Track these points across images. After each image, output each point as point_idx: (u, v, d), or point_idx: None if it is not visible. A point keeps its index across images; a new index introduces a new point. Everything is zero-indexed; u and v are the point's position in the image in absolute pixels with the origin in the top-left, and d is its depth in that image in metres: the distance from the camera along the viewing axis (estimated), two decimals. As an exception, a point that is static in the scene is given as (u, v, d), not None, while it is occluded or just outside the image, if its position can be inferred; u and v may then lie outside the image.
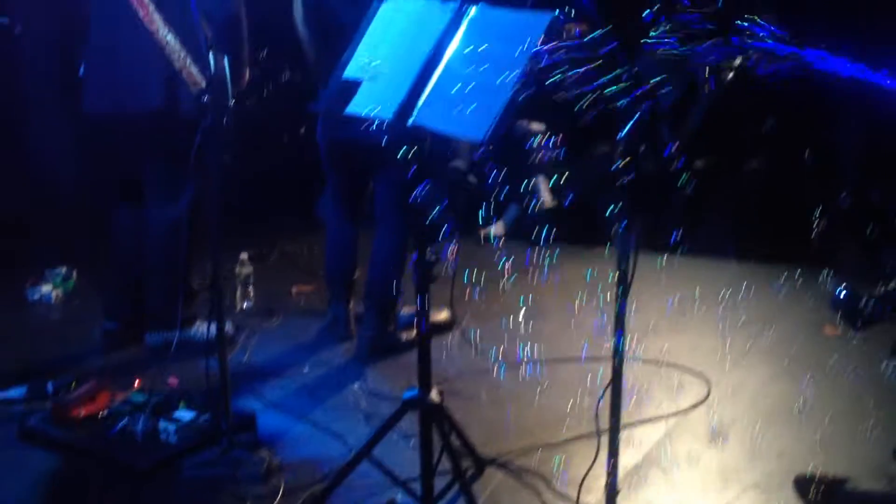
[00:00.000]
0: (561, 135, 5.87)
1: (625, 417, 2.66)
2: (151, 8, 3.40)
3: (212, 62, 3.15)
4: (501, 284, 4.78)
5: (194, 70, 3.40)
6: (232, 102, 3.31)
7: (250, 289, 4.45)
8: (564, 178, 5.99)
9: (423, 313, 2.54)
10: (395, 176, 3.67)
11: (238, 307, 4.40)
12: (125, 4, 3.43)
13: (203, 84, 3.24)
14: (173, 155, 3.49)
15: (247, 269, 4.44)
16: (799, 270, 4.66)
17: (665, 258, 4.89)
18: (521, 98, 2.22)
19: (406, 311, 4.02)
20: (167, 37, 3.40)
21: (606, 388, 2.36)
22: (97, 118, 3.64)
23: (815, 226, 4.87)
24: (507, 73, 2.24)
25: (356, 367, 3.76)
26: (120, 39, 3.50)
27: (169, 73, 3.42)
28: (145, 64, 3.44)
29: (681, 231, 5.21)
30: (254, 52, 3.70)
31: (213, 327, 2.95)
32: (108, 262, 4.01)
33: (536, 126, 5.89)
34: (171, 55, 3.40)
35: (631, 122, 2.19)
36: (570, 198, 5.92)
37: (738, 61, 5.43)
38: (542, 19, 2.26)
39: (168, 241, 3.68)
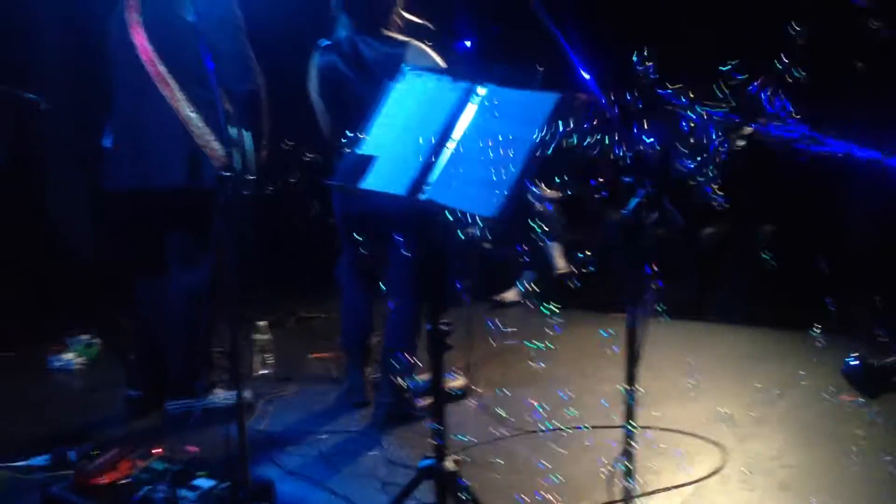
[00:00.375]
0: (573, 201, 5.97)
1: (639, 487, 2.68)
2: (175, 86, 3.53)
3: (233, 137, 3.28)
4: (516, 351, 4.81)
5: (216, 145, 3.51)
6: (252, 176, 3.42)
7: (268, 355, 4.51)
8: (578, 243, 6.06)
9: (438, 381, 2.59)
10: (409, 246, 3.76)
11: (256, 374, 4.46)
12: (149, 82, 3.56)
13: (224, 158, 3.34)
14: (195, 226, 3.60)
15: (265, 336, 4.51)
16: (813, 336, 4.67)
17: (679, 323, 4.92)
18: (531, 174, 2.30)
19: (422, 377, 4.07)
20: (190, 113, 3.51)
21: (620, 456, 2.38)
22: (120, 193, 3.74)
23: (828, 292, 4.89)
24: (516, 150, 2.32)
25: (373, 434, 3.79)
26: (143, 116, 3.62)
27: (192, 149, 3.53)
28: (169, 140, 3.55)
29: (695, 296, 5.28)
30: (274, 131, 3.80)
31: (233, 394, 3.00)
32: (132, 330, 4.10)
33: (550, 193, 5.99)
34: (194, 131, 3.51)
35: (638, 196, 2.27)
36: (583, 263, 5.98)
37: (749, 129, 5.52)
38: (550, 98, 2.36)
39: (189, 310, 3.75)
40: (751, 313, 5.03)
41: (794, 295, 5.03)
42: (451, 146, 2.47)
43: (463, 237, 5.58)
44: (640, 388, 2.38)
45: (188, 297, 3.78)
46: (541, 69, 2.46)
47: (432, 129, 2.50)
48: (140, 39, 3.59)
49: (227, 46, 3.44)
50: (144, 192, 3.65)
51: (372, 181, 2.58)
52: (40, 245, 5.63)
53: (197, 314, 3.78)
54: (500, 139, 2.37)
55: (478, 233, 5.64)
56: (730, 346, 4.74)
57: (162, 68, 3.55)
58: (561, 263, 5.87)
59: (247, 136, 3.67)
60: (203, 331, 3.82)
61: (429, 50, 3.71)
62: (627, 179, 2.29)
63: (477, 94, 2.50)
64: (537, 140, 2.29)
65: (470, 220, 5.45)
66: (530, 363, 4.60)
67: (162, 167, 3.58)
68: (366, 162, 2.64)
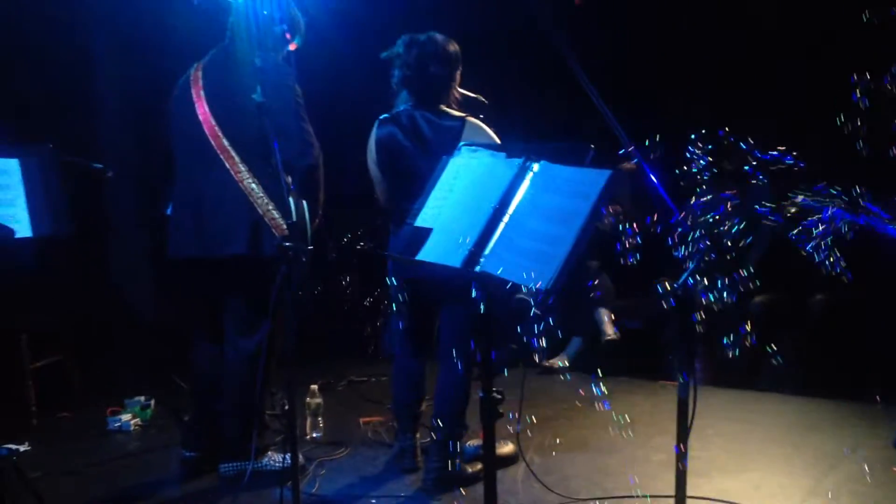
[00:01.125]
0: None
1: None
2: (237, 158, 3.66)
3: (293, 208, 3.41)
4: (566, 417, 4.83)
5: (276, 215, 3.62)
6: (310, 245, 3.53)
7: (320, 419, 4.58)
8: (627, 311, 6.08)
9: (488, 447, 2.63)
10: (461, 312, 3.83)
11: (308, 437, 4.52)
12: (211, 154, 3.70)
13: (285, 228, 3.46)
14: (253, 294, 3.70)
15: (317, 400, 4.58)
16: (868, 407, 4.63)
17: (730, 392, 4.91)
18: (584, 247, 2.37)
19: (472, 443, 4.11)
20: (252, 185, 3.64)
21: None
22: (182, 260, 3.86)
23: (882, 363, 4.85)
24: (569, 224, 2.40)
25: (422, 499, 3.82)
26: (206, 186, 3.75)
27: (253, 219, 3.65)
28: (231, 210, 3.67)
29: (746, 364, 5.25)
30: (330, 201, 3.92)
31: (286, 458, 3.06)
32: (187, 392, 4.20)
33: (593, 263, 6.05)
34: (256, 202, 3.63)
35: (691, 268, 2.32)
36: (632, 330, 6.00)
37: (800, 198, 5.54)
38: (602, 175, 2.43)
39: (244, 375, 3.84)
40: (803, 382, 4.99)
41: (848, 364, 4.99)
42: (505, 220, 2.55)
43: (514, 304, 5.67)
44: (691, 457, 2.39)
45: (243, 362, 3.86)
46: (592, 146, 2.55)
47: (487, 204, 2.59)
48: (203, 112, 3.74)
49: (288, 123, 3.58)
50: (206, 260, 3.76)
51: (428, 253, 2.67)
52: (101, 308, 5.81)
53: (251, 378, 3.85)
54: (554, 213, 2.45)
55: (529, 300, 5.72)
56: (782, 415, 4.70)
57: (225, 141, 3.69)
58: (609, 330, 5.89)
59: (305, 207, 3.78)
60: (257, 394, 3.90)
61: (484, 125, 3.82)
62: (677, 254, 2.35)
63: (531, 170, 2.59)
64: (590, 214, 2.36)
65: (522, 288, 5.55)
66: (579, 429, 4.60)
67: (224, 237, 3.69)
68: (422, 234, 2.74)
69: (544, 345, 5.95)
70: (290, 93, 3.66)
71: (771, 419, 4.67)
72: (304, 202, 3.74)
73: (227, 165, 3.66)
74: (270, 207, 3.64)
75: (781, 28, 6.23)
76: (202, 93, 3.77)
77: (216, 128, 3.69)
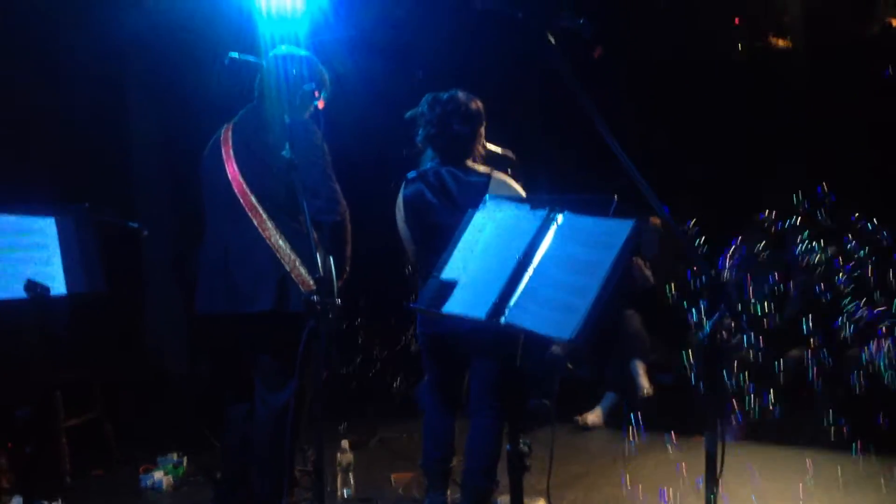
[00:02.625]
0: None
1: None
2: (265, 215, 3.70)
3: (319, 263, 3.43)
4: (598, 474, 4.76)
5: (303, 271, 3.65)
6: (338, 300, 3.54)
7: (350, 476, 4.55)
8: (663, 364, 6.02)
9: (516, 500, 2.60)
10: (490, 367, 3.81)
11: (339, 494, 4.50)
12: (240, 211, 3.75)
13: (311, 284, 3.48)
14: (282, 350, 3.71)
15: (347, 457, 4.56)
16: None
17: (763, 448, 4.82)
18: (608, 297, 2.36)
19: (502, 499, 4.06)
20: (279, 241, 3.68)
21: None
22: (212, 317, 3.90)
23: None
24: (594, 274, 2.40)
25: (453, 556, 3.78)
26: (234, 243, 3.78)
27: (281, 275, 3.68)
28: (259, 267, 3.69)
29: (780, 420, 5.16)
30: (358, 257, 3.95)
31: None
32: (220, 450, 4.20)
33: (634, 315, 6.00)
34: (283, 258, 3.67)
35: (714, 318, 2.31)
36: (667, 384, 5.93)
37: (831, 251, 5.52)
38: (625, 225, 2.44)
39: (274, 431, 3.83)
40: (838, 438, 4.89)
41: (887, 419, 4.89)
42: (530, 271, 2.56)
43: (546, 358, 5.64)
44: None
45: (274, 419, 3.85)
46: (615, 196, 2.56)
47: (512, 255, 2.60)
48: (232, 171, 3.79)
49: (315, 180, 3.62)
50: (235, 316, 3.79)
51: (453, 305, 2.68)
52: (135, 365, 5.87)
53: (282, 435, 3.84)
54: (579, 264, 2.46)
55: (561, 353, 5.70)
56: (822, 470, 4.60)
57: (253, 199, 3.73)
58: (645, 384, 5.82)
59: (331, 263, 3.81)
60: (288, 451, 3.89)
61: (510, 180, 3.84)
62: (703, 303, 2.33)
63: (555, 221, 2.60)
64: (615, 264, 2.36)
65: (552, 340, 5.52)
66: (612, 485, 4.54)
67: (251, 293, 3.72)
68: (448, 287, 2.74)
69: (577, 400, 5.92)
70: (317, 150, 3.70)
71: (806, 475, 4.56)
72: (331, 258, 3.77)
73: (255, 223, 3.70)
74: (297, 263, 3.67)
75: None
76: (231, 152, 3.83)
77: (245, 186, 3.74)
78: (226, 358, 4.08)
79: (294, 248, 3.68)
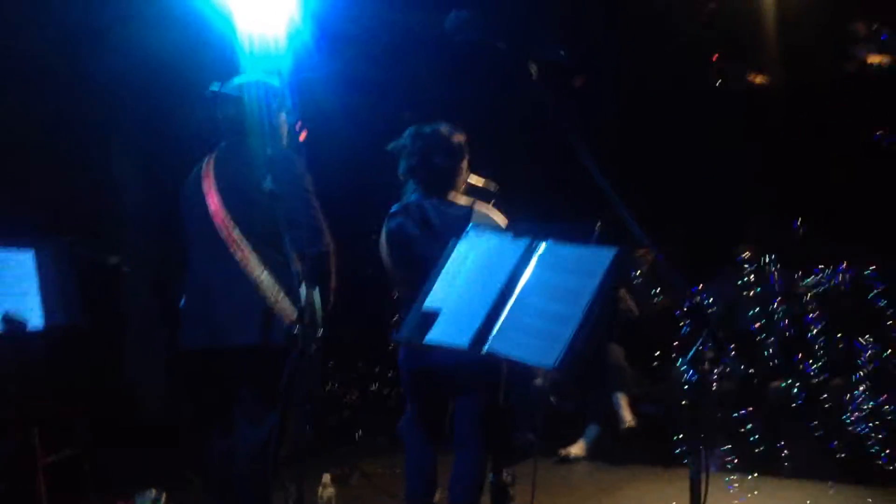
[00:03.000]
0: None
1: None
2: (247, 248, 3.68)
3: (303, 296, 3.41)
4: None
5: (286, 304, 3.63)
6: (321, 332, 3.52)
7: (333, 511, 4.51)
8: (644, 396, 6.02)
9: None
10: (474, 401, 3.79)
11: (321, 529, 4.45)
12: (221, 244, 3.73)
13: (294, 316, 3.46)
14: (263, 383, 3.68)
15: (329, 492, 4.52)
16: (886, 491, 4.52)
17: (748, 479, 4.80)
18: (590, 325, 2.36)
19: (486, 533, 4.02)
20: (262, 275, 3.65)
21: None
22: (193, 352, 3.85)
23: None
24: (576, 302, 2.40)
25: (437, 592, 3.73)
26: (216, 276, 3.75)
27: (264, 309, 3.65)
28: (241, 300, 3.67)
29: (765, 450, 5.16)
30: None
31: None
32: (198, 485, 4.14)
33: (617, 348, 6.00)
34: (266, 291, 3.64)
35: (695, 347, 2.31)
36: (650, 416, 5.92)
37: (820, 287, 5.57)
38: (608, 253, 2.45)
39: (256, 466, 3.78)
40: (823, 468, 4.88)
41: (871, 449, 4.89)
42: (512, 300, 2.55)
43: (529, 391, 5.63)
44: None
45: (254, 452, 3.81)
46: (598, 224, 2.57)
47: (494, 284, 2.60)
48: (215, 205, 3.77)
49: (299, 211, 3.61)
50: (218, 350, 3.75)
51: (436, 334, 2.67)
52: (114, 401, 5.80)
53: (263, 469, 3.80)
54: (561, 292, 2.46)
55: (544, 386, 5.68)
56: (801, 501, 4.59)
57: (236, 232, 3.71)
58: (627, 416, 5.81)
59: (315, 295, 3.79)
60: (267, 485, 3.84)
61: (492, 211, 3.84)
62: (685, 330, 2.34)
63: (537, 250, 2.60)
64: (597, 292, 2.37)
65: (536, 373, 5.51)
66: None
67: (234, 326, 3.68)
68: (430, 316, 2.74)
69: (560, 433, 5.89)
70: (300, 181, 3.70)
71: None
72: (316, 290, 3.75)
73: (238, 256, 3.67)
74: (280, 297, 3.64)
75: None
76: (213, 185, 3.81)
77: (227, 219, 3.72)
78: (208, 394, 4.03)
79: (278, 280, 3.66)
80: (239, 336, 3.66)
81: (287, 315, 3.58)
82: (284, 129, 3.82)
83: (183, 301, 3.92)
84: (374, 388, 6.54)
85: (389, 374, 6.35)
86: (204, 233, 3.78)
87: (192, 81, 4.00)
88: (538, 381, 5.81)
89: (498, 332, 2.52)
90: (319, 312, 3.73)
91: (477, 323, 2.55)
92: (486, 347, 2.52)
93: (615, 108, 6.60)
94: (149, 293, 5.90)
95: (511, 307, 2.54)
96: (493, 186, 4.10)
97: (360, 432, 6.35)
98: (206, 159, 3.91)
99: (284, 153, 3.74)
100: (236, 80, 3.85)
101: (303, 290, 3.43)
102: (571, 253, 2.52)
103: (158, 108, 5.54)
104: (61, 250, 3.60)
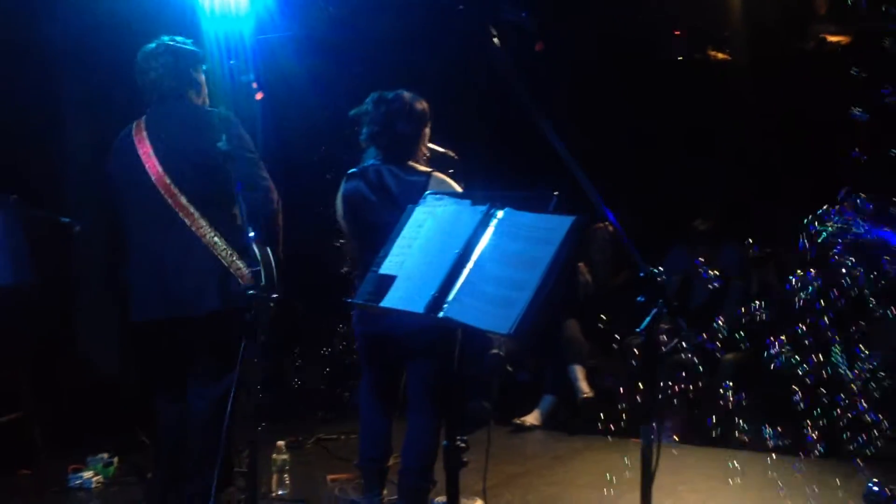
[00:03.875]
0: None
1: None
2: (196, 215, 3.62)
3: (258, 256, 3.38)
4: (536, 475, 4.77)
5: (241, 264, 3.58)
6: (276, 293, 3.49)
7: (286, 476, 4.49)
8: (600, 368, 6.07)
9: (453, 500, 2.58)
10: (428, 367, 3.79)
11: (274, 494, 4.43)
12: (167, 211, 3.66)
13: (250, 277, 3.42)
14: (222, 346, 3.65)
15: (283, 456, 4.50)
16: (841, 464, 4.60)
17: (704, 451, 4.88)
18: (546, 293, 2.36)
19: (439, 499, 4.04)
20: (214, 238, 3.60)
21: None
22: (149, 324, 3.78)
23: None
24: (533, 269, 2.39)
25: (388, 557, 3.75)
26: (166, 246, 3.66)
27: (220, 273, 3.60)
28: (198, 269, 3.60)
29: (718, 423, 5.23)
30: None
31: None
32: (150, 449, 4.11)
33: (573, 321, 6.04)
34: (220, 254, 3.59)
35: (650, 316, 2.32)
36: (605, 388, 5.97)
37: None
38: (565, 221, 2.44)
39: (211, 424, 3.75)
40: (777, 440, 4.96)
41: (823, 421, 4.97)
42: (469, 266, 2.54)
43: (486, 360, 5.64)
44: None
45: (211, 412, 3.78)
46: (556, 193, 2.56)
47: (451, 250, 2.59)
48: (156, 172, 3.66)
49: (249, 173, 3.58)
50: (174, 320, 3.70)
51: (391, 300, 2.65)
52: (64, 363, 5.71)
53: (218, 428, 3.77)
54: (518, 259, 2.45)
55: (501, 354, 5.70)
56: (756, 472, 4.66)
57: (183, 199, 3.64)
58: (584, 387, 5.85)
59: (270, 253, 3.75)
60: (221, 448, 3.81)
61: (450, 180, 3.83)
62: (640, 299, 2.34)
63: (495, 217, 2.59)
64: (554, 260, 2.36)
65: (493, 341, 5.52)
66: (549, 487, 4.55)
67: (193, 296, 3.63)
68: (386, 281, 2.72)
69: (515, 402, 5.92)
70: (247, 143, 3.67)
71: (744, 476, 4.62)
72: (269, 249, 3.71)
73: (188, 222, 3.61)
74: (235, 258, 3.60)
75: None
76: (151, 152, 3.72)
77: (172, 186, 3.64)
78: (160, 361, 3.97)
79: (229, 242, 3.62)
80: (199, 305, 3.62)
81: (243, 276, 3.54)
82: (204, 89, 3.75)
83: (129, 272, 3.82)
84: (325, 352, 6.51)
85: (343, 345, 6.32)
86: (146, 202, 3.69)
87: (144, 41, 3.90)
88: (494, 351, 5.82)
89: (454, 297, 2.51)
90: (275, 271, 3.70)
91: (433, 288, 2.54)
92: (441, 313, 2.51)
93: (575, 76, 6.59)
94: (100, 254, 5.80)
95: (468, 273, 2.53)
96: (452, 155, 4.09)
97: (316, 398, 6.34)
98: (133, 126, 3.82)
99: (226, 115, 3.69)
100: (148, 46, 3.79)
101: (258, 250, 3.40)
102: (529, 220, 2.51)
103: (113, 71, 5.40)
104: (10, 208, 3.52)
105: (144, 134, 3.75)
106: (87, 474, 4.72)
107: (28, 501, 4.50)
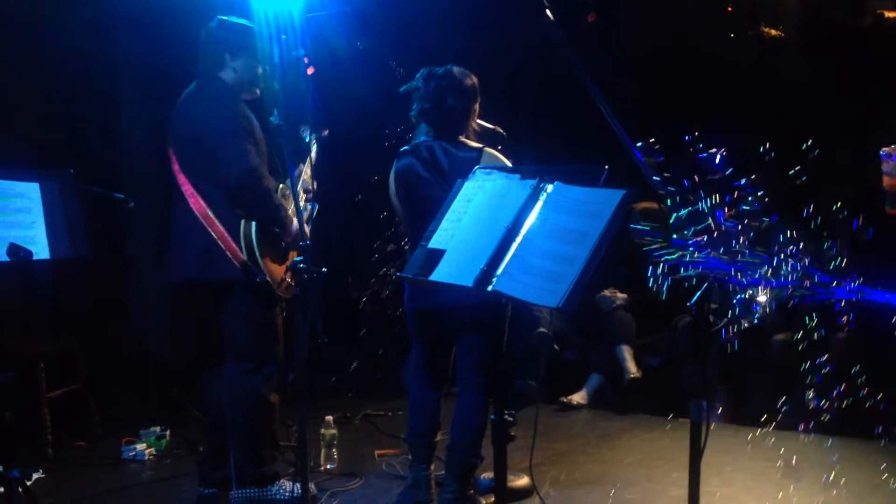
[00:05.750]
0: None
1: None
2: (189, 185, 3.77)
3: (307, 231, 3.41)
4: (581, 452, 4.77)
5: (232, 240, 3.71)
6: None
7: (334, 451, 4.54)
8: (649, 347, 6.02)
9: (500, 473, 2.59)
10: (478, 344, 3.80)
11: (322, 468, 4.49)
12: (175, 183, 3.81)
13: (243, 257, 3.57)
14: (250, 316, 3.73)
15: (331, 431, 4.55)
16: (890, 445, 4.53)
17: (752, 431, 4.83)
18: (595, 268, 2.35)
19: (486, 475, 4.05)
20: (208, 212, 3.74)
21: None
22: (178, 284, 3.97)
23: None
24: (582, 243, 2.38)
25: (435, 531, 3.77)
26: (173, 213, 3.86)
27: (205, 244, 3.71)
28: (184, 236, 3.79)
29: (768, 404, 5.16)
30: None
31: (297, 487, 3.02)
32: (203, 424, 4.18)
33: (621, 296, 5.99)
34: (210, 227, 3.73)
35: (700, 292, 2.30)
36: (653, 367, 5.93)
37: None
38: (615, 195, 2.42)
39: (244, 397, 3.81)
40: (832, 421, 4.89)
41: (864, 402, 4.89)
42: (518, 240, 2.54)
43: (533, 339, 5.63)
44: (711, 493, 2.33)
45: (240, 383, 3.84)
46: (606, 167, 2.54)
47: (501, 224, 2.58)
48: (170, 148, 3.87)
49: (226, 149, 3.66)
50: (198, 282, 3.81)
51: (441, 274, 2.66)
52: (119, 337, 5.82)
53: (253, 401, 3.83)
54: (567, 234, 2.44)
55: (548, 334, 5.68)
56: (804, 453, 4.60)
57: (177, 166, 3.81)
58: (632, 367, 5.81)
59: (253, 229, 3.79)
60: (264, 419, 3.87)
61: (500, 155, 3.82)
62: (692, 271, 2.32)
63: (544, 191, 2.58)
64: (603, 234, 2.35)
65: (540, 320, 5.49)
66: (596, 465, 4.54)
67: (179, 261, 3.82)
68: (436, 255, 2.72)
69: (563, 381, 5.91)
70: (229, 116, 3.72)
71: (793, 457, 4.57)
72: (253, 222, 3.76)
73: (187, 193, 3.76)
74: (226, 234, 3.69)
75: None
76: (172, 125, 3.89)
77: (174, 156, 3.82)
78: (200, 326, 4.09)
79: (220, 217, 3.72)
80: (181, 271, 3.81)
81: (234, 253, 3.66)
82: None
83: (169, 236, 3.99)
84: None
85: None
86: (170, 171, 3.88)
87: (201, 19, 3.96)
88: (542, 330, 5.80)
89: (503, 271, 2.51)
90: (257, 247, 3.73)
91: (482, 263, 2.54)
92: (490, 287, 2.51)
93: (630, 50, 6.50)
94: (153, 230, 5.89)
95: (517, 248, 2.52)
96: (500, 132, 4.07)
97: (366, 375, 6.39)
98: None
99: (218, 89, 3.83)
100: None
101: (306, 224, 3.44)
102: (579, 194, 2.50)
103: (166, 47, 5.47)
104: (66, 183, 3.57)
105: (180, 103, 3.90)
106: (140, 447, 4.81)
107: (83, 472, 4.59)
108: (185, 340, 5.71)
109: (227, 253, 3.67)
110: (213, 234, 3.69)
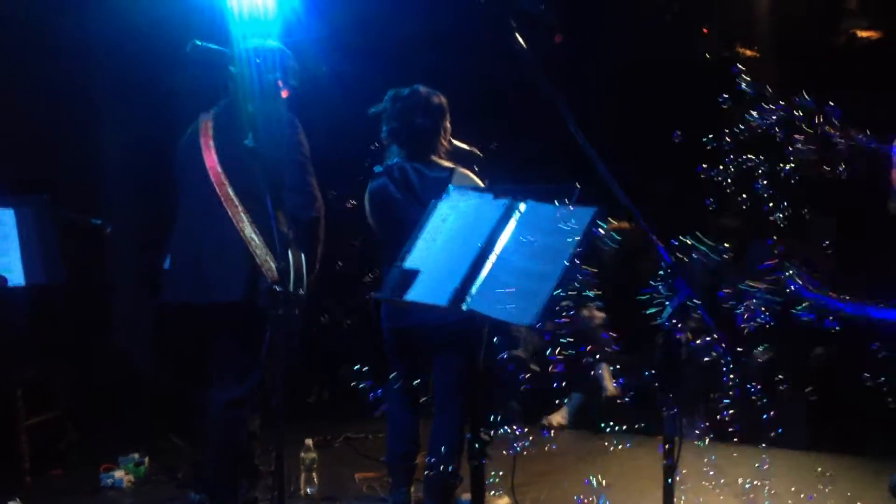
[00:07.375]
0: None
1: None
2: (241, 207, 3.69)
3: (291, 258, 3.42)
4: (561, 473, 4.77)
5: (273, 265, 3.62)
6: (303, 293, 3.53)
7: (314, 475, 4.52)
8: (627, 366, 6.04)
9: (478, 493, 2.60)
10: (455, 363, 3.81)
11: (302, 492, 4.46)
12: (215, 202, 3.72)
13: (277, 278, 3.46)
14: (245, 342, 3.69)
15: (311, 455, 4.53)
16: (868, 460, 4.56)
17: (733, 448, 4.86)
18: (571, 285, 2.37)
19: (465, 496, 4.05)
20: (252, 234, 3.66)
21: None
22: (178, 306, 3.89)
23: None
24: (554, 261, 2.41)
25: (415, 552, 3.76)
26: (207, 234, 3.76)
27: (252, 267, 3.65)
28: (231, 259, 3.67)
29: (748, 421, 5.18)
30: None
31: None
32: (181, 449, 4.15)
33: (599, 315, 6.01)
34: (255, 251, 3.64)
35: (669, 310, 2.32)
36: (633, 386, 5.94)
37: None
38: (587, 213, 2.45)
39: (228, 423, 3.80)
40: (805, 436, 4.93)
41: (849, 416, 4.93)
42: (492, 259, 2.56)
43: (511, 359, 5.65)
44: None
45: (227, 410, 3.83)
46: (577, 186, 2.57)
47: (474, 243, 2.61)
48: (212, 162, 3.77)
49: (292, 174, 3.63)
50: (200, 306, 3.77)
51: (416, 293, 2.67)
52: (97, 364, 5.79)
53: (235, 427, 3.82)
54: (540, 251, 2.46)
55: (522, 356, 5.70)
56: (784, 469, 4.62)
57: (230, 190, 3.72)
58: (611, 386, 5.83)
59: (303, 259, 3.79)
60: (243, 444, 3.86)
61: (472, 175, 3.85)
62: (662, 289, 2.34)
63: (517, 210, 2.61)
64: (575, 251, 2.37)
65: (517, 341, 5.50)
66: (576, 485, 4.54)
67: (222, 283, 3.69)
68: (411, 275, 2.74)
69: (542, 401, 5.91)
70: (299, 147, 3.71)
71: (774, 474, 4.59)
72: (302, 254, 3.75)
73: (230, 214, 3.69)
74: (268, 257, 3.65)
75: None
76: (212, 143, 3.81)
77: (223, 176, 3.74)
78: (186, 349, 4.06)
79: (267, 241, 3.67)
80: (226, 293, 3.67)
81: (272, 275, 3.59)
82: (269, 89, 3.81)
83: (168, 260, 3.92)
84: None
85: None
86: (198, 191, 3.80)
87: (178, 45, 3.97)
88: (516, 353, 5.82)
89: (477, 290, 2.53)
90: (304, 277, 3.74)
91: (456, 281, 2.57)
92: (465, 306, 2.53)
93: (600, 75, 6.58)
94: (133, 256, 5.88)
95: (491, 266, 2.55)
96: (476, 153, 4.10)
97: (344, 398, 6.36)
98: (204, 118, 3.91)
99: (277, 114, 3.74)
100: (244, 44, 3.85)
101: (291, 252, 3.44)
102: (551, 212, 2.52)
103: (143, 71, 5.50)
104: (42, 208, 3.59)
105: (211, 125, 3.85)
106: (119, 474, 4.77)
107: (61, 500, 4.55)
108: (177, 365, 5.67)
109: (269, 279, 3.63)
110: (258, 259, 3.64)
